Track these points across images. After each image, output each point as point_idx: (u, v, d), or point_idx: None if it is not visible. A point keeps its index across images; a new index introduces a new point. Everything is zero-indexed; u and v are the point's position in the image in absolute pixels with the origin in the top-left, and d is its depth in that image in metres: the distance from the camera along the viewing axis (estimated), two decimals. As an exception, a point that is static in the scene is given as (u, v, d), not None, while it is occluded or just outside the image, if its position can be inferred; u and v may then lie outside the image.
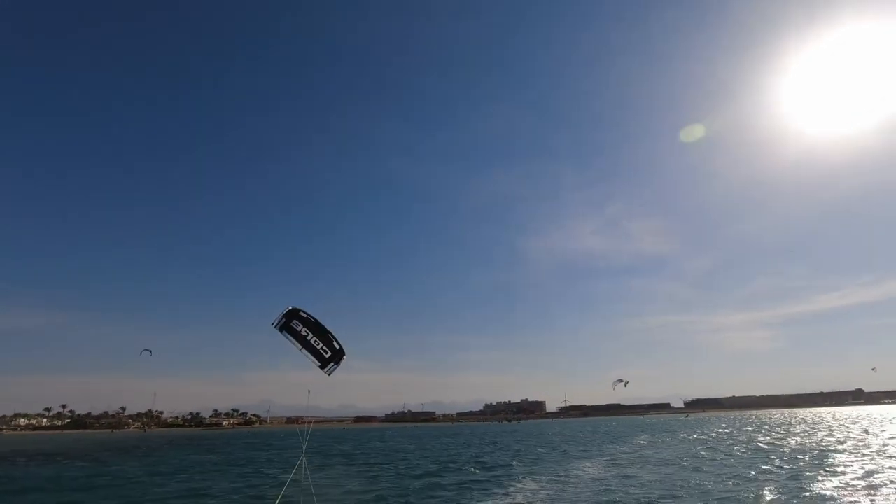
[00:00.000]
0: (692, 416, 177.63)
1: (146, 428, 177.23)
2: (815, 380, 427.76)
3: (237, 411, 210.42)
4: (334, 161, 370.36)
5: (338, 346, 8.14)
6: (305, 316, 8.07)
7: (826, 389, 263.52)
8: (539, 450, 37.28)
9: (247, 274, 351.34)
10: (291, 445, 52.29)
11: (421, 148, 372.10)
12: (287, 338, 8.07)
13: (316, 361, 8.07)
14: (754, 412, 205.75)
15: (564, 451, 35.15)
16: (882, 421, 63.20)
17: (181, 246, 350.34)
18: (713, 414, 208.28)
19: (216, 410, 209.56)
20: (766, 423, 72.99)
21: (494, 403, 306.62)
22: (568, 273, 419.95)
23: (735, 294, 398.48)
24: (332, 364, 8.13)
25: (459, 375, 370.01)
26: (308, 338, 8.04)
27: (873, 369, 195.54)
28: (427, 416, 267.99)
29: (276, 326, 8.04)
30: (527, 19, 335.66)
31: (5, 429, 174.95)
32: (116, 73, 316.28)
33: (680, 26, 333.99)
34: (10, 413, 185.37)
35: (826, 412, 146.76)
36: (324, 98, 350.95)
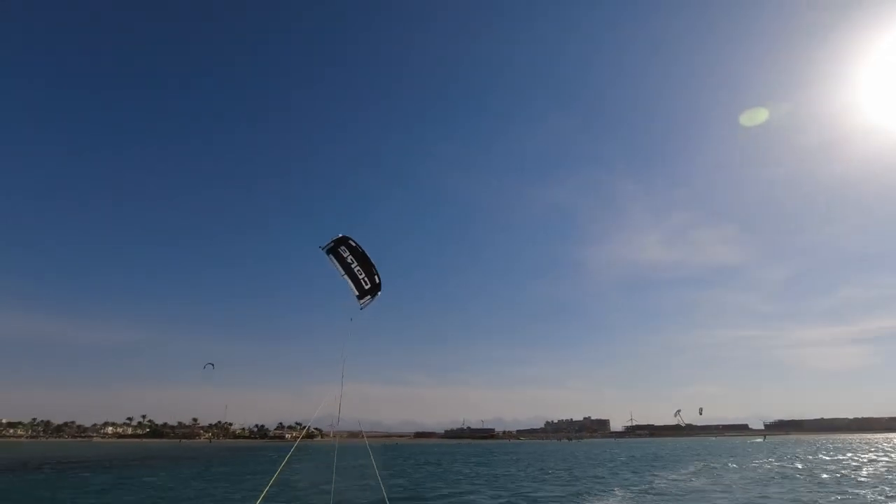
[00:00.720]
0: (770, 438, 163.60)
1: (213, 439, 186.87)
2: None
3: (300, 424, 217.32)
4: (392, 182, 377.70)
5: (378, 280, 8.23)
6: (354, 245, 8.20)
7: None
8: (584, 472, 35.33)
9: (318, 295, 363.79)
10: (297, 460, 52.25)
11: (476, 162, 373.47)
12: (332, 261, 8.19)
13: (354, 290, 8.16)
14: (845, 436, 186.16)
15: (606, 476, 33.11)
16: None
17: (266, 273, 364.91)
18: (796, 437, 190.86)
19: (281, 423, 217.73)
20: (871, 448, 65.26)
21: (556, 421, 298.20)
22: (631, 285, 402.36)
23: (818, 306, 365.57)
24: (368, 297, 8.22)
25: (520, 391, 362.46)
26: (352, 265, 8.17)
27: None
28: (486, 433, 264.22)
29: (324, 249, 8.20)
30: (580, 28, 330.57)
31: (95, 435, 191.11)
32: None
33: (741, 22, 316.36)
34: (100, 421, 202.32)
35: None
36: (381, 121, 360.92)
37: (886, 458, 45.76)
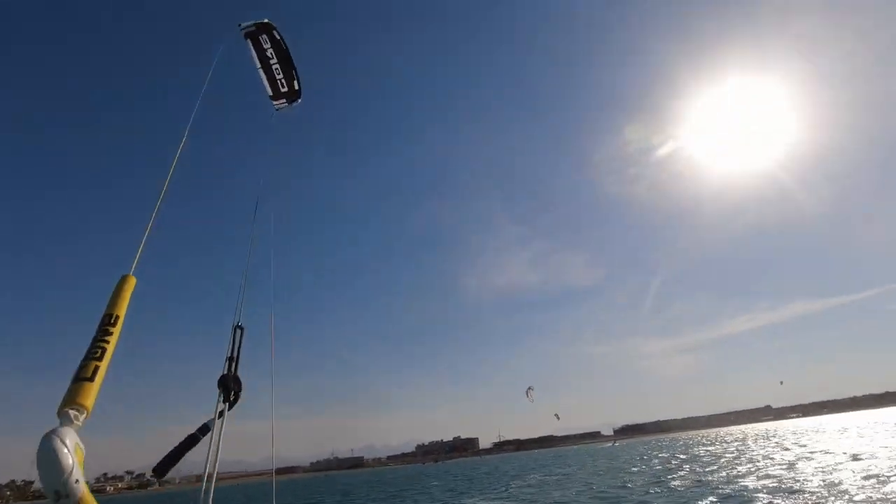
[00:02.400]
0: (619, 443, 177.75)
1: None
2: (730, 398, 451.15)
3: (131, 473, 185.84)
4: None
5: (298, 87, 6.89)
6: (278, 38, 6.76)
7: (739, 408, 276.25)
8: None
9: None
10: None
11: (357, 177, 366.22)
12: (249, 49, 6.71)
13: (269, 89, 6.81)
14: (675, 434, 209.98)
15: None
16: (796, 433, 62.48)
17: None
18: (639, 439, 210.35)
19: (105, 474, 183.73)
20: (679, 445, 71.15)
21: (426, 443, 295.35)
22: (501, 306, 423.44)
23: (656, 321, 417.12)
24: (284, 101, 6.84)
25: (392, 416, 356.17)
26: (271, 61, 6.75)
27: (781, 383, 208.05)
28: (355, 463, 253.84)
29: (242, 30, 6.61)
30: (463, 55, 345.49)
31: None
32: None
33: (606, 80, 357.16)
34: None
35: (737, 430, 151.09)
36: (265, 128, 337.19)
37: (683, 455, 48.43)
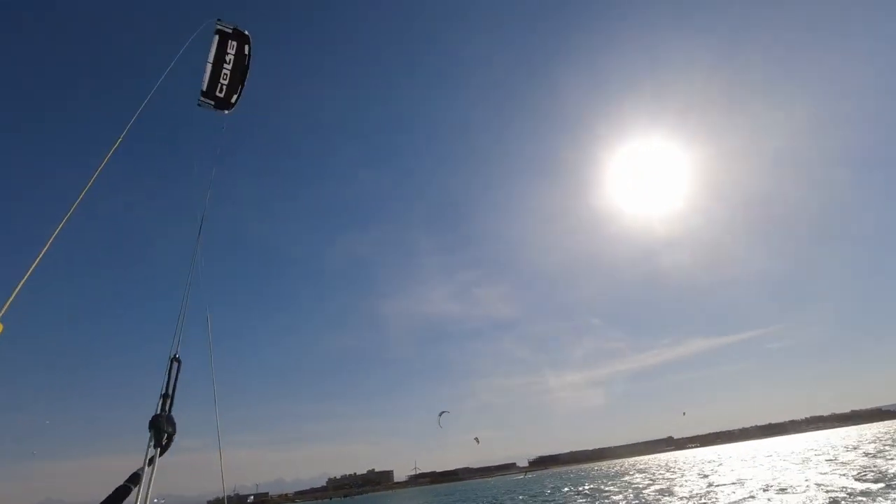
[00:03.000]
0: (531, 474, 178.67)
1: None
2: (636, 429, 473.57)
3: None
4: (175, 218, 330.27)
5: (234, 102, 6.65)
6: (247, 53, 6.67)
7: (645, 438, 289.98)
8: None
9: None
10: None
11: (278, 207, 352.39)
12: (212, 42, 6.50)
13: (204, 83, 6.46)
14: (586, 465, 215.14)
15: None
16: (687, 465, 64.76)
17: None
18: (552, 471, 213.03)
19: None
20: (578, 478, 71.67)
21: (339, 477, 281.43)
22: (422, 338, 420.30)
23: (571, 355, 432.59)
24: (210, 101, 6.50)
25: (306, 448, 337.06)
26: (225, 65, 6.53)
27: (683, 413, 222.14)
28: (260, 499, 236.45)
29: (218, 26, 6.53)
30: (394, 92, 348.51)
31: None
32: None
33: (529, 130, 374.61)
34: None
35: (641, 460, 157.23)
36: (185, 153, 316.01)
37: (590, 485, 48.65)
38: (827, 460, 33.86)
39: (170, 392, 3.63)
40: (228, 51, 6.65)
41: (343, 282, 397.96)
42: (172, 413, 3.57)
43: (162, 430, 3.39)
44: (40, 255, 2.87)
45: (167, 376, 3.63)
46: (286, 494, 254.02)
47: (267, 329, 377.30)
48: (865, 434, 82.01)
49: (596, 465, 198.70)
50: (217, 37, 6.64)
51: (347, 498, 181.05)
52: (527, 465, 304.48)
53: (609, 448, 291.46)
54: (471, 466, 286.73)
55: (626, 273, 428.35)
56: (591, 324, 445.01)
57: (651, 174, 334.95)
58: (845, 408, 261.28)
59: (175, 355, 3.71)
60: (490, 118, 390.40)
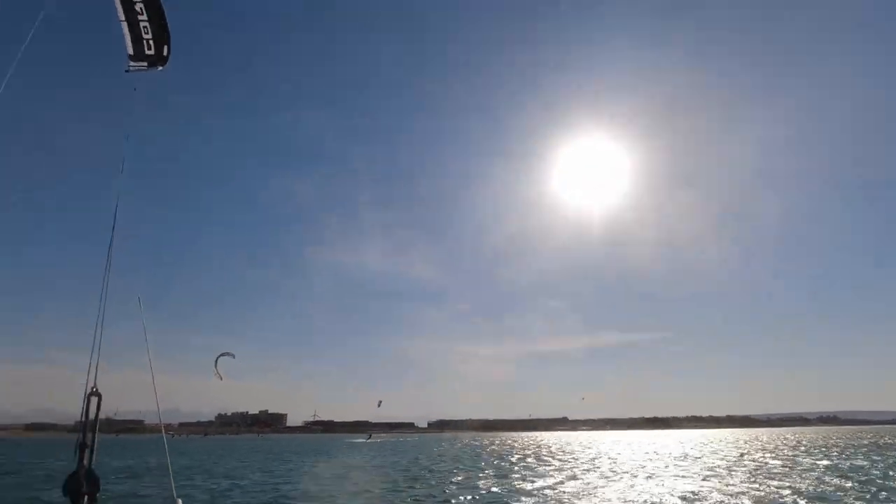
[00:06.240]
0: (423, 435, 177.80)
1: None
2: (535, 406, 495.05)
3: None
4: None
5: (166, 53, 6.02)
6: None
7: (543, 416, 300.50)
8: None
9: None
10: None
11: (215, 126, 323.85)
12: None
13: (129, 46, 5.78)
14: (478, 433, 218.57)
15: None
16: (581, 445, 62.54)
17: None
18: (448, 434, 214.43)
19: None
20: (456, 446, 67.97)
21: (229, 414, 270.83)
22: (345, 289, 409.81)
23: (488, 329, 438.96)
24: (143, 63, 5.93)
25: (196, 379, 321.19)
26: (139, 17, 5.73)
27: (582, 398, 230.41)
28: (133, 426, 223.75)
29: None
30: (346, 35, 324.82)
31: None
32: None
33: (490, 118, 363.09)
34: None
35: (535, 435, 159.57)
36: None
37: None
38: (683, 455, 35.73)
39: (87, 440, 2.91)
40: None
41: (274, 218, 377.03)
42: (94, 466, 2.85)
43: (80, 495, 2.79)
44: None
45: (84, 418, 2.86)
46: (171, 424, 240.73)
47: (193, 251, 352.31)
48: (729, 437, 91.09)
49: (489, 434, 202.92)
50: None
51: (207, 437, 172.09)
52: (426, 426, 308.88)
53: (505, 420, 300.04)
54: (370, 421, 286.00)
55: (555, 261, 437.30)
56: (514, 303, 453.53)
57: (596, 170, 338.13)
58: (721, 411, 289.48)
59: (93, 389, 2.97)
60: (455, 87, 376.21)
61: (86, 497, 2.97)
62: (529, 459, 34.47)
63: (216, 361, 33.83)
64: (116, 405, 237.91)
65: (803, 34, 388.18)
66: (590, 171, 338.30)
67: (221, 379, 34.25)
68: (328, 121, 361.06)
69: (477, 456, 39.84)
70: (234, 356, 35.21)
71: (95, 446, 3.01)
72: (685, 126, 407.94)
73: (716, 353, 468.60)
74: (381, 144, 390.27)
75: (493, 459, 34.90)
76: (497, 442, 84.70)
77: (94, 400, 3.13)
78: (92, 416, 3.03)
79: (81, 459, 3.03)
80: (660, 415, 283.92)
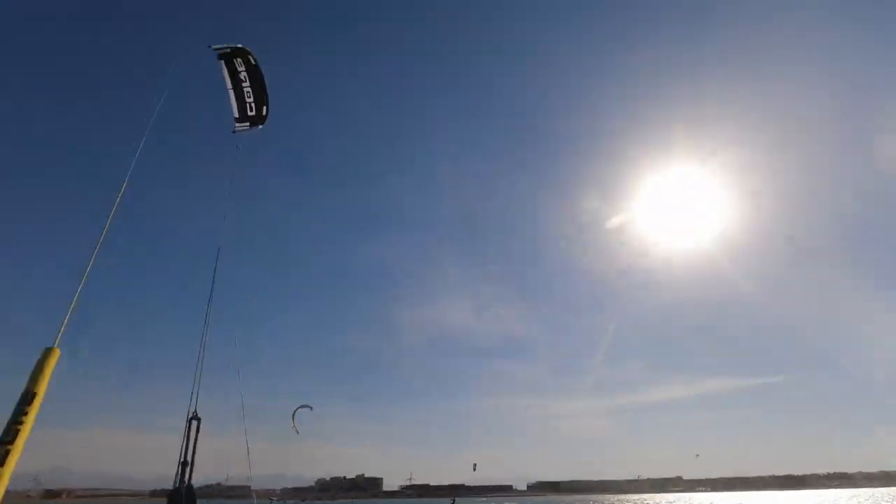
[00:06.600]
0: (525, 499, 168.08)
1: None
2: (642, 464, 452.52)
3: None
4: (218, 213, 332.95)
5: (265, 113, 7.18)
6: (254, 63, 6.90)
7: (653, 475, 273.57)
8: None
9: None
10: None
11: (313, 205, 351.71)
12: (223, 70, 6.94)
13: (235, 110, 7.05)
14: (587, 496, 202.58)
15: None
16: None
17: None
18: (551, 498, 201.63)
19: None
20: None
21: (328, 479, 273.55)
22: (435, 349, 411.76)
23: (584, 381, 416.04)
24: (247, 124, 7.16)
25: (311, 445, 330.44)
26: (243, 84, 6.97)
27: (697, 455, 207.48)
28: (242, 492, 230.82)
29: (217, 51, 6.83)
30: (426, 100, 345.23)
31: None
32: None
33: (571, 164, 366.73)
34: None
35: (646, 498, 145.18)
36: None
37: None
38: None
39: (188, 458, 3.30)
40: (238, 69, 6.80)
41: (363, 284, 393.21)
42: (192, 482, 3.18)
43: None
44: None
45: (185, 440, 3.25)
46: (273, 490, 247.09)
47: (285, 322, 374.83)
48: (886, 497, 76.58)
49: (601, 497, 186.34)
50: (223, 62, 6.86)
51: (305, 501, 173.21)
52: (525, 488, 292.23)
53: (613, 481, 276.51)
54: (467, 484, 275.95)
55: (652, 304, 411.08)
56: (607, 352, 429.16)
57: (686, 206, 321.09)
58: (873, 467, 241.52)
59: (194, 413, 3.39)
60: (519, 138, 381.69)
61: None
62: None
63: (293, 414, 34.68)
64: (227, 471, 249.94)
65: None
66: (683, 203, 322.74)
67: (298, 433, 35.05)
68: (408, 184, 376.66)
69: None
70: (311, 408, 35.95)
71: (193, 465, 3.17)
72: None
73: (850, 397, 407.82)
74: (466, 204, 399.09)
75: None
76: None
77: (194, 423, 3.50)
78: (192, 440, 3.27)
79: (182, 477, 3.21)
80: (794, 472, 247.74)
